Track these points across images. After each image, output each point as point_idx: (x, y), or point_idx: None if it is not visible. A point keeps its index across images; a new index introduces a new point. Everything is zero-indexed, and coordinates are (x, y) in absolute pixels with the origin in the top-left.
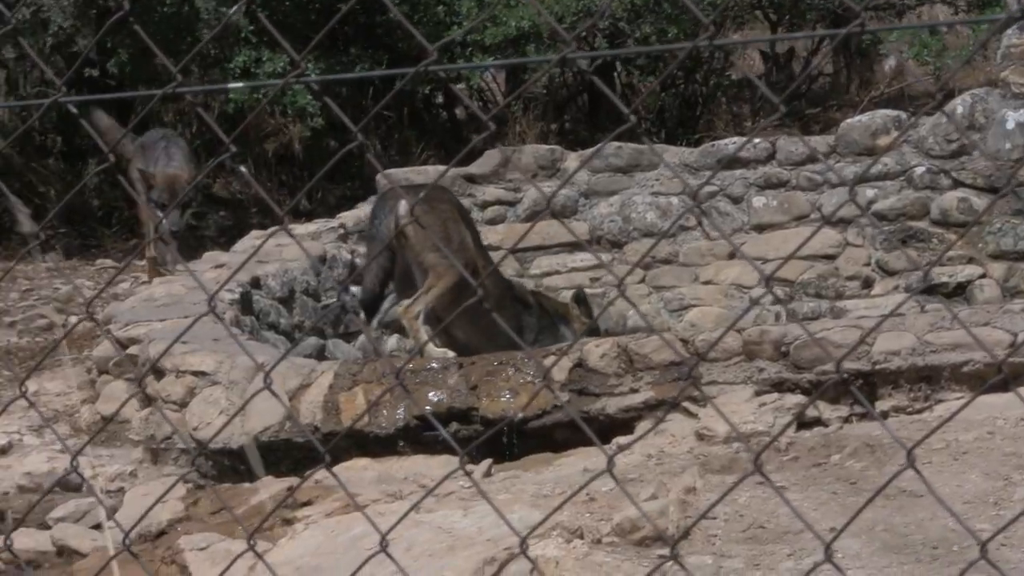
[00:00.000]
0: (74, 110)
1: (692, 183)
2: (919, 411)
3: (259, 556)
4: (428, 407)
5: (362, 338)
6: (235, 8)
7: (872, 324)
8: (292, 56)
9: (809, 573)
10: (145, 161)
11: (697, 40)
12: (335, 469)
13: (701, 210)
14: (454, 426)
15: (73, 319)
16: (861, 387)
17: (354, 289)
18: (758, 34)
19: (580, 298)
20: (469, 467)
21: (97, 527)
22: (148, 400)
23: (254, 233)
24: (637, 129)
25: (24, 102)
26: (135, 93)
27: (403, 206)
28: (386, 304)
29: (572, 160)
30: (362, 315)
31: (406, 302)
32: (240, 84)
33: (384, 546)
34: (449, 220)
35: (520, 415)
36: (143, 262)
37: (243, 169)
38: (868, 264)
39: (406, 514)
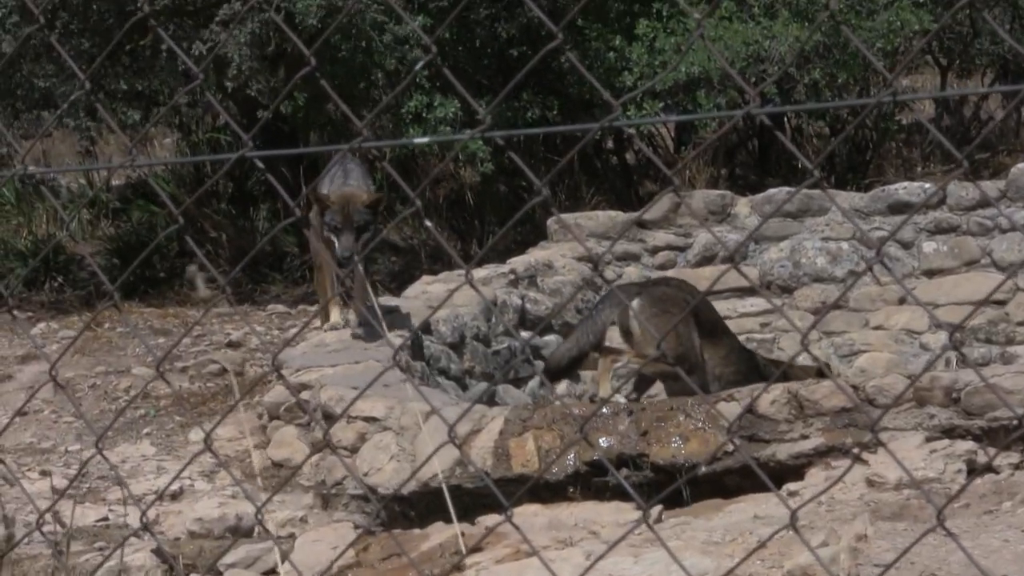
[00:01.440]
0: (260, 165)
1: (865, 228)
2: None
3: None
4: (598, 453)
5: (532, 383)
6: (420, 65)
7: None
8: (476, 109)
9: None
10: (319, 183)
11: (880, 96)
12: (503, 517)
13: (885, 265)
14: (624, 472)
15: (246, 365)
16: None
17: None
18: (928, 79)
19: (821, 372)
20: (639, 514)
21: (269, 573)
22: (320, 446)
23: (425, 279)
24: (810, 179)
25: (212, 157)
26: (323, 148)
27: (637, 303)
28: None
29: (742, 205)
30: (536, 363)
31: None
32: (426, 139)
33: None
34: (678, 320)
35: (702, 468)
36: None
37: (428, 224)
38: None
39: (590, 567)
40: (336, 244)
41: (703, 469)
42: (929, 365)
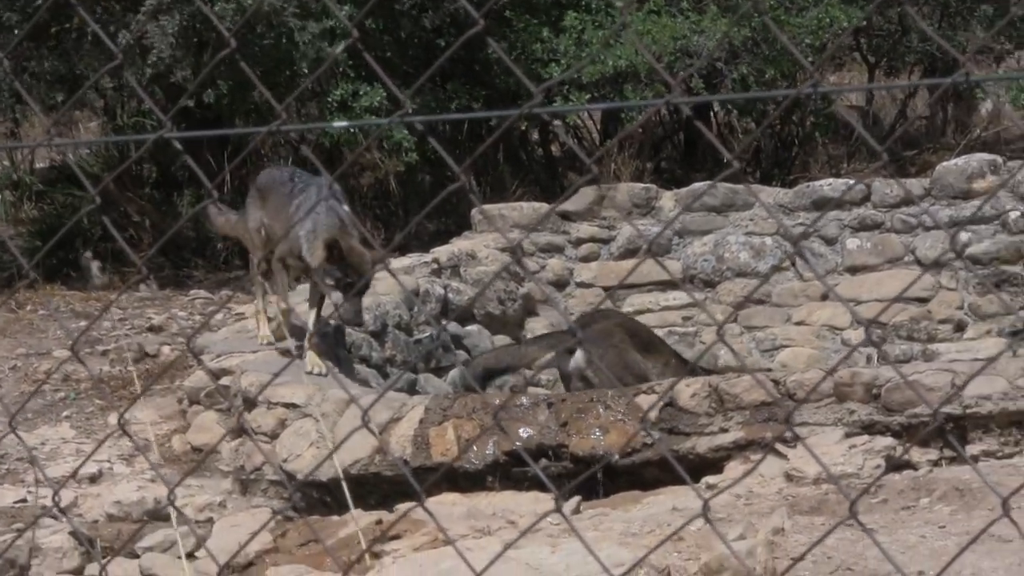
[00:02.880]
0: (179, 146)
1: (788, 224)
2: (1009, 455)
3: None
4: (518, 443)
5: (453, 373)
6: (340, 48)
7: (964, 368)
8: (399, 96)
9: None
10: (293, 216)
11: (801, 88)
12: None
13: (801, 255)
14: (543, 462)
15: (167, 349)
16: (952, 431)
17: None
18: (856, 76)
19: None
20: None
21: (187, 557)
22: (235, 429)
23: None
24: (729, 169)
25: (132, 137)
26: (243, 130)
27: (579, 357)
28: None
29: (667, 199)
30: (456, 352)
31: None
32: (345, 123)
33: None
34: (625, 351)
35: (615, 457)
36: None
37: (346, 208)
38: (961, 308)
39: (500, 554)
40: (342, 304)
41: (616, 458)
42: (843, 359)
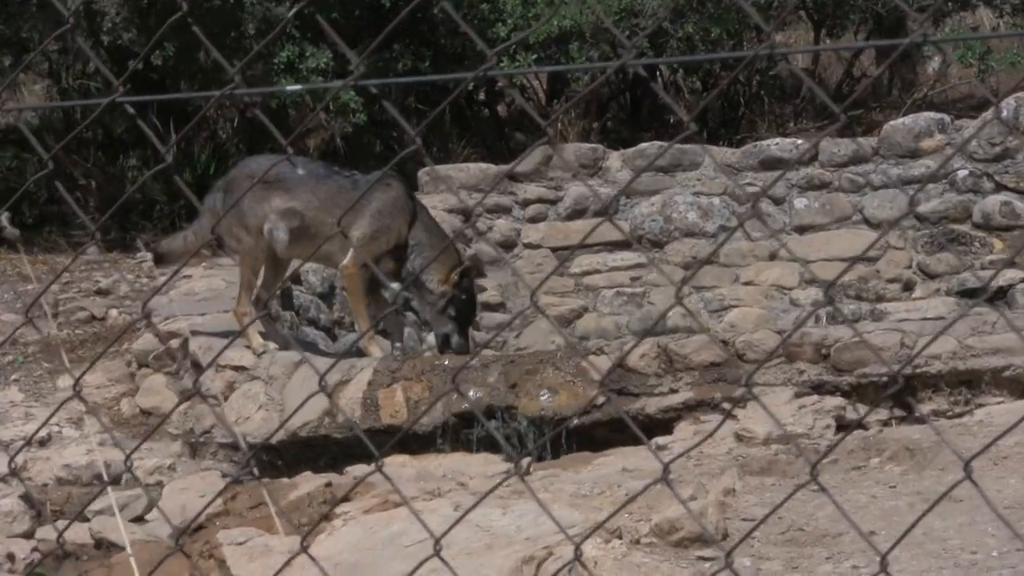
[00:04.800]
0: (131, 111)
1: (736, 184)
2: (959, 415)
3: (312, 558)
4: (466, 404)
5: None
6: (293, 11)
7: (914, 327)
8: (351, 59)
9: None
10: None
11: (758, 49)
12: (371, 467)
13: (761, 219)
14: (493, 424)
15: (114, 312)
16: (902, 390)
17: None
18: (801, 34)
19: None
20: (508, 466)
21: (137, 520)
22: (189, 394)
23: None
24: (687, 131)
25: (85, 102)
26: (196, 94)
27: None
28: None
29: (614, 159)
30: (406, 315)
31: None
32: (298, 87)
33: (438, 550)
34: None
35: (574, 421)
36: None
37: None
38: (909, 267)
39: (460, 518)
40: (456, 340)
41: (575, 422)
42: (802, 322)
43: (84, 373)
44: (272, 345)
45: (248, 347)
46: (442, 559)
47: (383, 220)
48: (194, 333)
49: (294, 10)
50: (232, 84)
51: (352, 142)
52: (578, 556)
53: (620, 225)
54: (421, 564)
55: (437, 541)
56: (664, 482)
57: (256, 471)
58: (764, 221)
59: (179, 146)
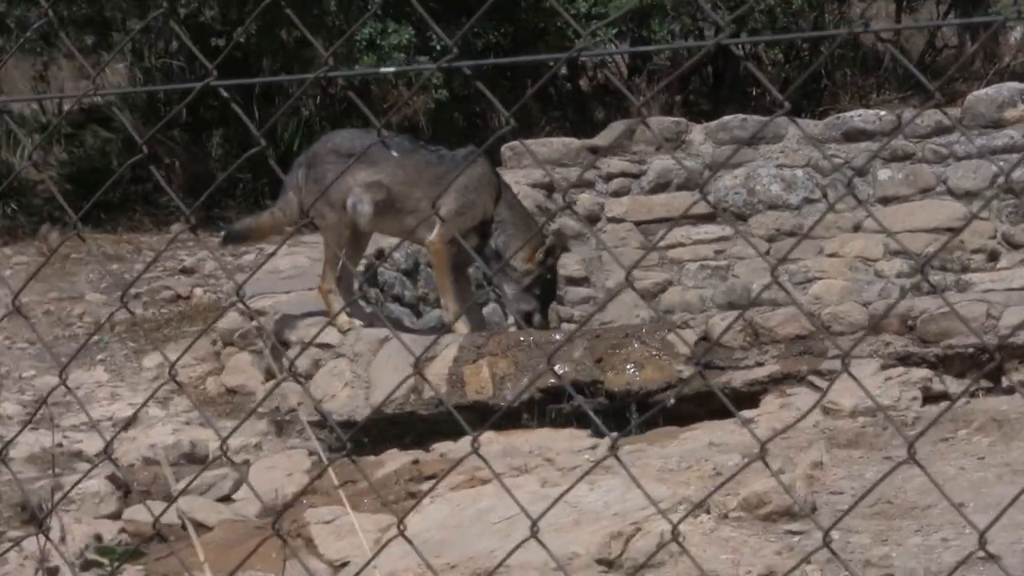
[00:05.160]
0: (225, 94)
1: (819, 156)
2: None
3: (407, 539)
4: (553, 380)
5: (486, 311)
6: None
7: (1000, 298)
8: (444, 40)
9: (962, 562)
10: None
11: (854, 28)
12: (458, 443)
13: (855, 197)
14: (579, 399)
15: (199, 291)
16: (987, 361)
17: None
18: (882, 7)
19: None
20: (594, 441)
21: (224, 499)
22: (273, 372)
23: None
24: (781, 111)
25: (177, 86)
26: (288, 77)
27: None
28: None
29: (697, 132)
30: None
31: None
32: (392, 69)
33: (535, 532)
34: None
35: (671, 400)
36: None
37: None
38: (994, 237)
39: (556, 500)
40: (534, 311)
41: (672, 401)
42: (900, 298)
43: (182, 355)
44: (357, 322)
45: (333, 324)
46: (539, 541)
47: (469, 196)
48: (279, 312)
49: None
50: (327, 67)
51: (435, 118)
52: (675, 536)
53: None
54: (519, 546)
55: (534, 523)
56: (761, 460)
57: (344, 448)
58: (856, 197)
59: (262, 124)
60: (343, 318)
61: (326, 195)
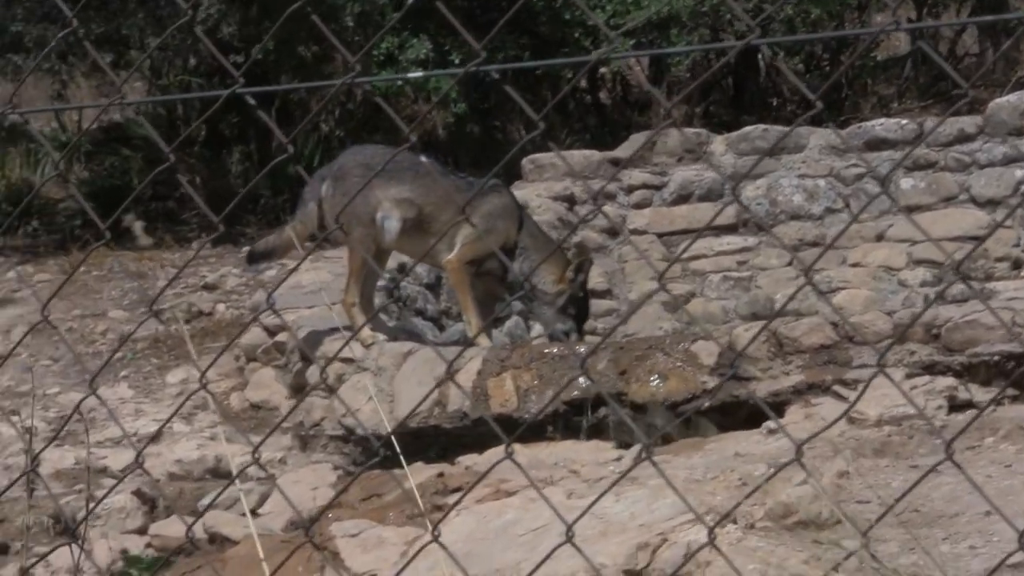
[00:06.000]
0: (252, 101)
1: (841, 165)
2: None
3: (442, 545)
4: (576, 392)
5: (509, 323)
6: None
7: (1023, 306)
8: (473, 44)
9: (994, 570)
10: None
11: (889, 27)
12: (484, 456)
13: (890, 196)
14: (602, 411)
15: (221, 307)
16: (1013, 369)
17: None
18: (903, 12)
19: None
20: (619, 452)
21: (252, 513)
22: (297, 387)
23: None
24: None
25: (205, 94)
26: (315, 84)
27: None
28: None
29: (718, 143)
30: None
31: None
32: (420, 74)
33: (570, 537)
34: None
35: (705, 404)
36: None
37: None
38: (1018, 245)
39: (590, 507)
40: (563, 322)
41: (706, 404)
42: (930, 304)
43: (211, 364)
44: (381, 336)
45: (357, 339)
46: (575, 546)
47: (492, 222)
48: (301, 326)
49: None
50: (354, 73)
51: (454, 132)
52: (712, 539)
53: (727, 210)
54: (554, 551)
55: (570, 528)
56: (799, 463)
57: (370, 462)
58: (891, 196)
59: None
60: (366, 332)
61: (354, 209)
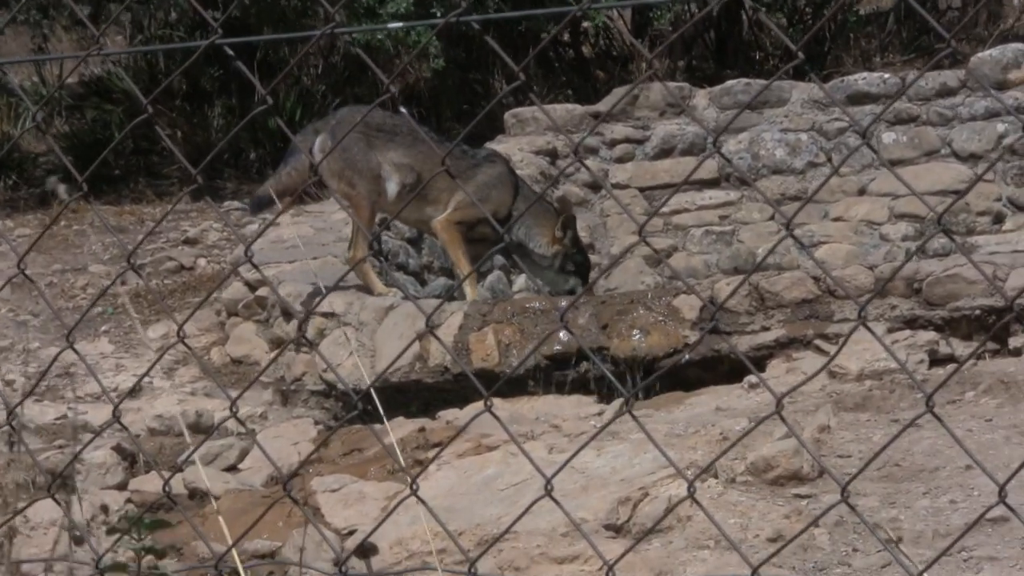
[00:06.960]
0: (230, 52)
1: (823, 119)
2: None
3: (421, 500)
4: (558, 346)
5: (490, 278)
6: None
7: (1005, 260)
8: None
9: (973, 524)
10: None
11: None
12: (464, 411)
13: (872, 148)
14: (583, 366)
15: (202, 261)
16: (994, 323)
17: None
18: None
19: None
20: (600, 407)
21: (230, 468)
22: (288, 343)
23: None
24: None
25: (183, 45)
26: (294, 35)
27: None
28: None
29: (700, 97)
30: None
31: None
32: (399, 24)
33: (549, 491)
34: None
35: (686, 357)
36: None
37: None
38: (999, 199)
39: (568, 460)
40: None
41: (687, 357)
42: (916, 250)
43: (188, 317)
44: (395, 291)
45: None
46: (554, 499)
47: (486, 191)
48: (283, 281)
49: None
50: (332, 24)
51: (435, 86)
52: (691, 494)
53: (708, 164)
54: (533, 503)
55: (548, 481)
56: (780, 417)
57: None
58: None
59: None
60: (380, 286)
61: (356, 166)
